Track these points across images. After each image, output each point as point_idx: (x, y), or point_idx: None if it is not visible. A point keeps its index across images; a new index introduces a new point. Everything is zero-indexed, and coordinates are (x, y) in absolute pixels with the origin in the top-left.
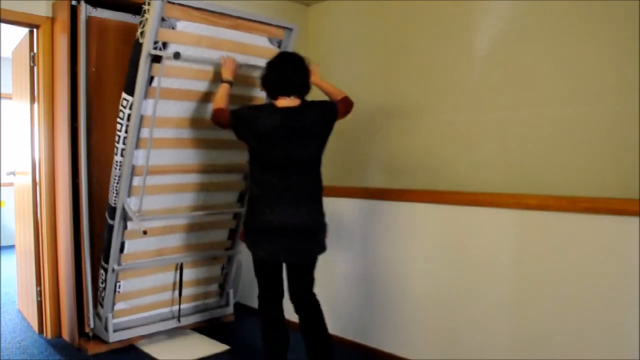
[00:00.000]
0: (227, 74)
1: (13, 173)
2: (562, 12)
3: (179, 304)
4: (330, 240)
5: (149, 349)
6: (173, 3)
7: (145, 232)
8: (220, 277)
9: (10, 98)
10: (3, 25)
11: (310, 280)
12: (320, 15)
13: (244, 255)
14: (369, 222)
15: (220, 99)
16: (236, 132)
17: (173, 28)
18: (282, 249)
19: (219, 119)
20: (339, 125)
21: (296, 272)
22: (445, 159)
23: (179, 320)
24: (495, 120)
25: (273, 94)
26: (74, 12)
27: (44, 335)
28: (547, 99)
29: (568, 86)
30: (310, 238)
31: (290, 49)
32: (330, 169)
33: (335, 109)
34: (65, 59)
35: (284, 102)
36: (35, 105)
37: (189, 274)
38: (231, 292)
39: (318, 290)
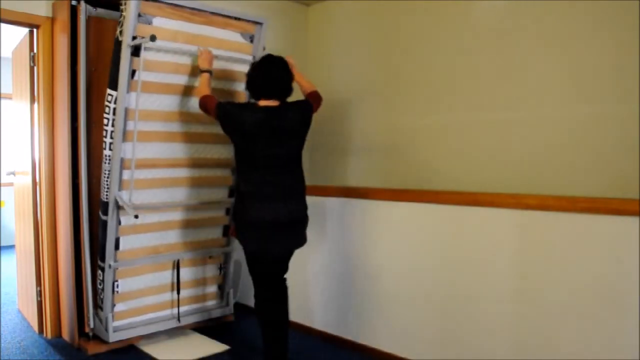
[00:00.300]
0: (204, 64)
1: (13, 173)
2: (562, 12)
3: (178, 303)
4: (332, 240)
5: (149, 349)
6: (147, 0)
7: (136, 217)
8: (219, 278)
9: (10, 98)
10: (3, 25)
11: (286, 268)
12: (320, 15)
13: (243, 255)
14: (368, 222)
15: (204, 86)
16: (221, 124)
17: (149, 24)
18: (273, 243)
19: (206, 106)
20: (340, 125)
21: (276, 261)
22: (445, 159)
23: (179, 320)
24: (495, 120)
25: (256, 95)
26: (74, 12)
27: (44, 335)
28: (547, 99)
29: (568, 86)
30: (297, 232)
31: (261, 43)
32: (331, 169)
33: (311, 107)
34: (65, 59)
35: (265, 102)
36: (35, 105)
37: (187, 274)
38: (231, 292)
39: (318, 288)
